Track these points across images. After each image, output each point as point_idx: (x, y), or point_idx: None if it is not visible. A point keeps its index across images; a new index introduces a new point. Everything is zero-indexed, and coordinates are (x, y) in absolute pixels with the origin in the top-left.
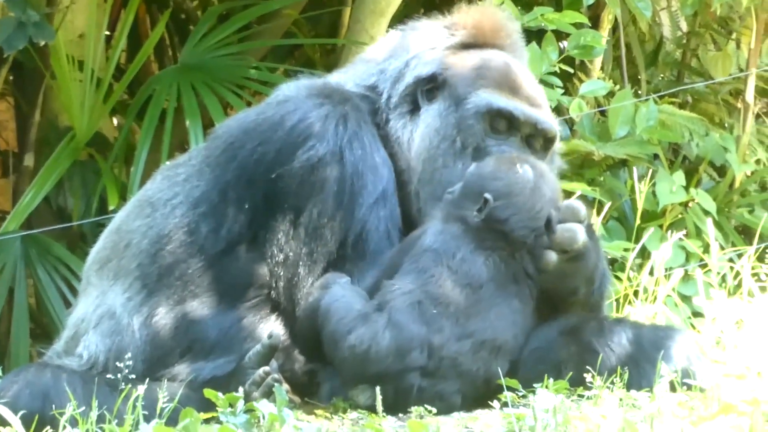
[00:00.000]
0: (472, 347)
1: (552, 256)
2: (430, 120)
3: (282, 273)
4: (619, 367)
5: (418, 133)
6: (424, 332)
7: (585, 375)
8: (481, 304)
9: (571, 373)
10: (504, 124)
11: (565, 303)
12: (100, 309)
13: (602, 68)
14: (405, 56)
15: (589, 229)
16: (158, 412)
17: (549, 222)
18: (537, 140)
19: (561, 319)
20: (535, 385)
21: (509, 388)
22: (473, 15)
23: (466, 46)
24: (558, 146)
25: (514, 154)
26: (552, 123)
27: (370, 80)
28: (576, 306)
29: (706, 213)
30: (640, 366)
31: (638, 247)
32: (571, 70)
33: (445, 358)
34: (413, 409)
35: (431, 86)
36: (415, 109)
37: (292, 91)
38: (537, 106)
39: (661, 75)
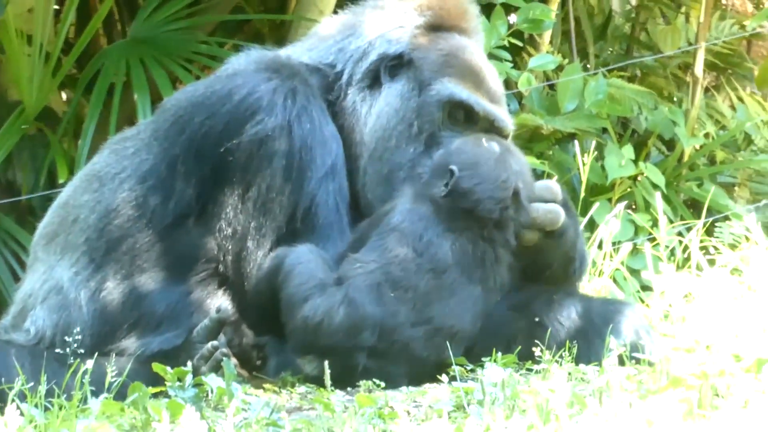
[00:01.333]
0: (426, 334)
1: (532, 236)
2: (391, 99)
3: (230, 247)
4: (568, 341)
5: (376, 110)
6: (378, 314)
7: (534, 349)
8: (442, 291)
9: (520, 347)
10: (462, 115)
11: (539, 278)
12: (48, 284)
13: (551, 42)
14: (368, 35)
15: (567, 207)
16: (107, 386)
17: (516, 194)
18: (491, 135)
19: (511, 294)
20: (483, 359)
21: (458, 363)
22: None
23: (433, 27)
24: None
25: (481, 135)
26: (507, 120)
27: (328, 58)
28: (550, 281)
29: (655, 187)
30: (589, 340)
31: (585, 220)
32: (521, 44)
33: (396, 341)
34: (362, 383)
35: (395, 63)
36: (375, 84)
37: (242, 64)
38: (496, 102)
39: (610, 49)
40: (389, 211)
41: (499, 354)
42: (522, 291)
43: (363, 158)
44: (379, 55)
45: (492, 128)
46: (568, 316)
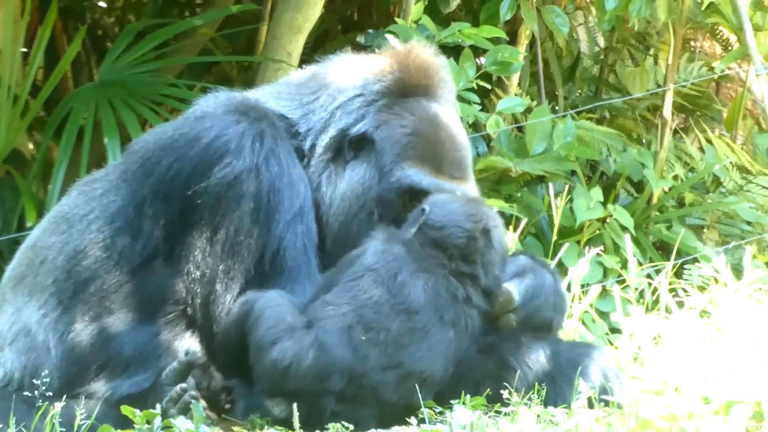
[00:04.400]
0: (397, 378)
1: (510, 319)
2: (353, 183)
3: (199, 290)
4: (536, 384)
5: (339, 192)
6: (348, 358)
7: (503, 392)
8: (414, 333)
9: (488, 390)
10: (423, 199)
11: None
12: (16, 326)
13: (519, 84)
14: (330, 104)
15: (534, 260)
16: (75, 429)
17: (486, 231)
18: None
19: (479, 337)
20: (452, 401)
21: (427, 406)
22: (400, 56)
23: (396, 93)
24: None
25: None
26: (471, 193)
27: (294, 115)
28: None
29: (624, 229)
30: (556, 383)
31: (554, 262)
32: (489, 86)
33: (365, 386)
34: (330, 425)
35: (358, 139)
36: (338, 157)
37: (210, 106)
38: (459, 175)
39: (579, 91)
40: (361, 253)
41: (468, 396)
42: (490, 333)
43: (328, 239)
44: (339, 130)
45: None
46: (537, 359)
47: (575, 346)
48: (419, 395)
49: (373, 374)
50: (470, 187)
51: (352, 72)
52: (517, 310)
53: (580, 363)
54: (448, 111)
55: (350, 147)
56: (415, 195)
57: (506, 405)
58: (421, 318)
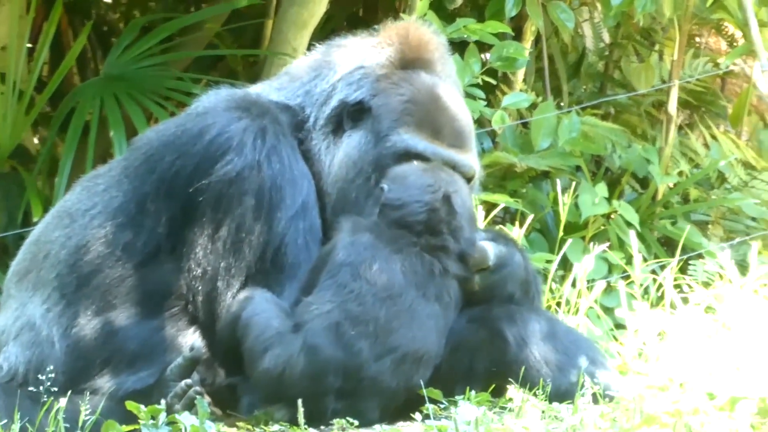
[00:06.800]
0: (393, 363)
1: (473, 282)
2: (350, 150)
3: (200, 287)
4: (531, 358)
5: (337, 160)
6: (340, 356)
7: (507, 386)
8: (402, 316)
9: (493, 386)
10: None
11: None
12: (20, 321)
13: (525, 80)
14: (331, 77)
15: (506, 239)
16: (80, 424)
17: (447, 198)
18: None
19: (468, 310)
20: (457, 397)
21: (431, 400)
22: (400, 31)
23: (396, 64)
24: (477, 182)
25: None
26: (471, 163)
27: (296, 100)
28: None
29: (629, 225)
30: (549, 364)
31: (559, 257)
32: (494, 82)
33: (363, 378)
34: (335, 421)
35: (357, 109)
36: (338, 129)
37: (212, 102)
38: (459, 144)
39: (584, 87)
40: (331, 249)
41: (468, 385)
42: (479, 306)
43: (328, 209)
44: (339, 101)
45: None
46: (532, 331)
47: (570, 332)
48: (418, 375)
49: (368, 366)
50: (470, 158)
51: (352, 49)
52: (483, 274)
53: (576, 350)
54: (447, 85)
55: (349, 117)
56: (412, 160)
57: (510, 400)
58: (405, 299)
